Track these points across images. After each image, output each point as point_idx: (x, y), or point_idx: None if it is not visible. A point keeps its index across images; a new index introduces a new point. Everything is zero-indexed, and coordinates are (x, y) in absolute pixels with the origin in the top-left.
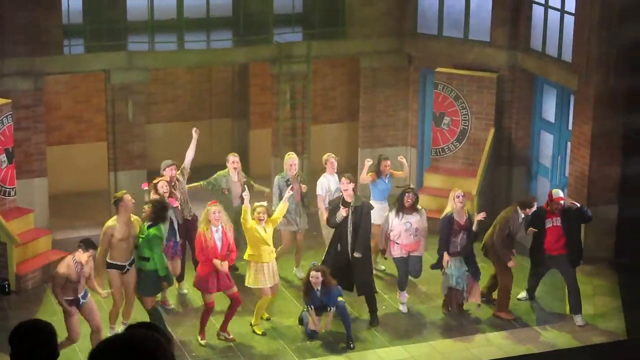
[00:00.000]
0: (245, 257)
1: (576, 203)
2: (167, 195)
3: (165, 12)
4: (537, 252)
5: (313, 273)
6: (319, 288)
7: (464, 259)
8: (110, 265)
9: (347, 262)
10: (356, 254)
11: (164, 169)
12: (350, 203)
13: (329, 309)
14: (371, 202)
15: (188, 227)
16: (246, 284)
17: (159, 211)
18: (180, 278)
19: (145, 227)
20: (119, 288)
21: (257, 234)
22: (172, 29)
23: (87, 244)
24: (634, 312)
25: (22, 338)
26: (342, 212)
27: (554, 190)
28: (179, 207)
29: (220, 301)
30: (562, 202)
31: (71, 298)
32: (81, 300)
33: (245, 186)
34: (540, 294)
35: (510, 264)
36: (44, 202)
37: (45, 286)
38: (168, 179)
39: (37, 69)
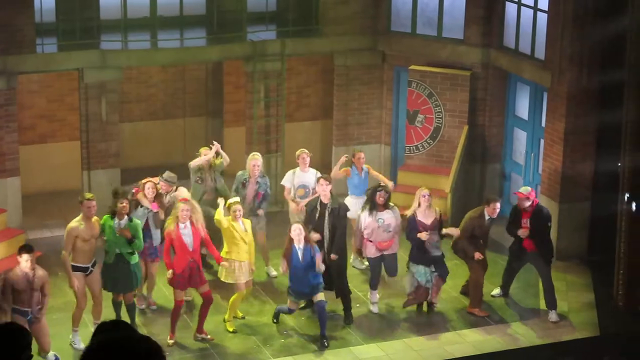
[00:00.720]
0: (222, 254)
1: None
2: (151, 199)
3: (138, 11)
4: (517, 248)
5: (294, 226)
6: (301, 246)
7: (434, 260)
8: (73, 268)
9: (325, 263)
10: (333, 256)
11: (164, 180)
12: (327, 205)
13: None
14: (348, 197)
15: None
16: (220, 278)
17: (134, 207)
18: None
19: (126, 221)
20: (82, 290)
21: (235, 232)
22: (146, 28)
23: (24, 248)
24: (607, 308)
25: None
26: (314, 236)
27: (523, 188)
28: (159, 214)
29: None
30: (525, 197)
31: (20, 308)
32: (30, 315)
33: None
34: (514, 290)
35: (476, 256)
36: (16, 202)
37: None
38: (156, 182)
39: (9, 67)
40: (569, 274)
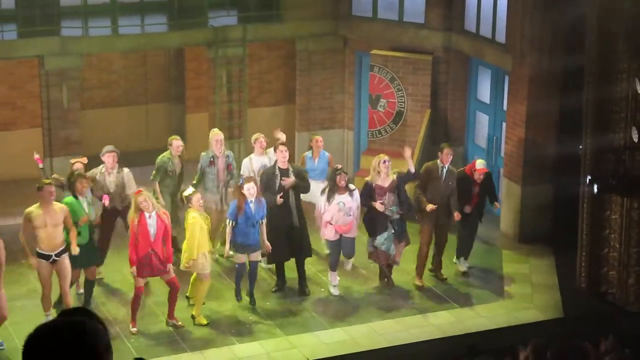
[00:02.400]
0: (184, 247)
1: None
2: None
3: None
4: (467, 215)
5: (247, 185)
6: (253, 200)
7: (391, 221)
8: (37, 254)
9: (288, 230)
10: (295, 219)
11: (103, 155)
12: (287, 170)
13: (261, 222)
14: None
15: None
16: (182, 268)
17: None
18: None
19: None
20: (45, 276)
21: (201, 224)
22: (106, 14)
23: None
24: (569, 290)
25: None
26: (278, 200)
27: (478, 161)
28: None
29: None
30: (484, 173)
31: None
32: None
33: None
34: (476, 272)
35: (428, 207)
36: None
37: None
38: (85, 162)
39: None
40: (532, 256)
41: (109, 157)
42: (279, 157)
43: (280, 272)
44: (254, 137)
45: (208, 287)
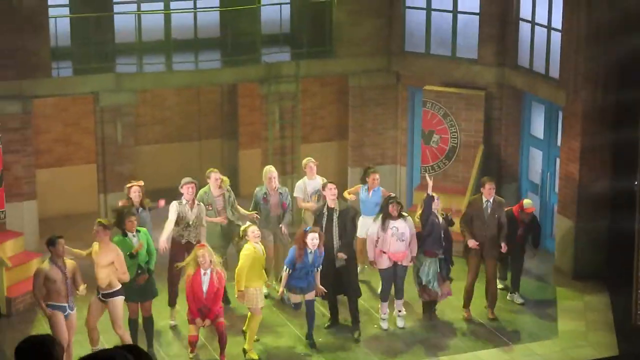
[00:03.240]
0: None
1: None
2: (138, 202)
3: (153, 34)
4: (514, 251)
5: (311, 235)
6: (314, 251)
7: (439, 260)
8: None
9: (332, 267)
10: (340, 255)
11: (181, 186)
12: (334, 209)
13: (317, 269)
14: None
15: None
16: (238, 301)
17: (117, 221)
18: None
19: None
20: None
21: (255, 258)
22: (160, 51)
23: (49, 241)
24: (625, 327)
25: (27, 352)
26: (340, 255)
27: (526, 201)
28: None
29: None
30: (533, 212)
31: (57, 304)
32: (67, 311)
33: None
34: (528, 307)
35: (471, 243)
36: (33, 225)
37: (36, 309)
38: (141, 184)
39: (25, 92)
40: (587, 293)
41: (188, 188)
42: (328, 196)
43: (332, 309)
44: (304, 162)
45: (259, 322)
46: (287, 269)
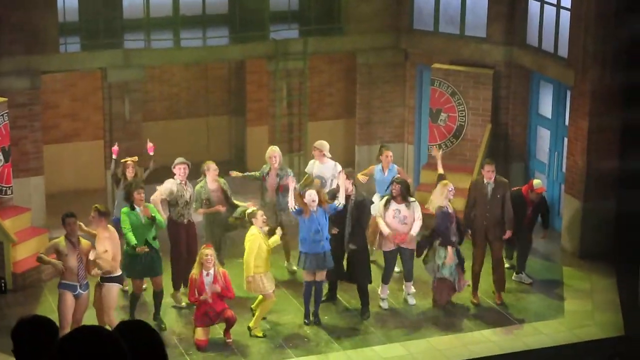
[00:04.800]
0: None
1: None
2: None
3: (161, 10)
4: (521, 231)
5: (308, 192)
6: (316, 209)
7: (456, 251)
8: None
9: (342, 253)
10: (351, 246)
11: (174, 166)
12: (350, 197)
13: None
14: (375, 194)
15: (190, 230)
16: (247, 290)
17: (126, 194)
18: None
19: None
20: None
21: (263, 244)
22: (168, 27)
23: (67, 214)
24: (632, 308)
25: (24, 333)
26: (350, 247)
27: (536, 181)
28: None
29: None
30: (543, 192)
31: (69, 282)
32: (78, 290)
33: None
34: (535, 287)
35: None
36: (40, 201)
37: (42, 285)
38: (136, 160)
39: (33, 67)
40: (594, 273)
41: (180, 169)
42: (343, 183)
43: (331, 285)
44: (314, 144)
45: (271, 305)
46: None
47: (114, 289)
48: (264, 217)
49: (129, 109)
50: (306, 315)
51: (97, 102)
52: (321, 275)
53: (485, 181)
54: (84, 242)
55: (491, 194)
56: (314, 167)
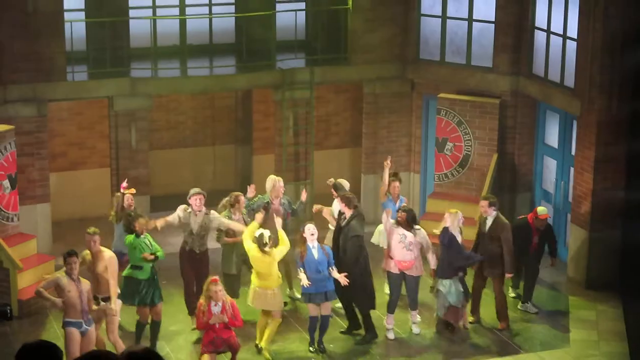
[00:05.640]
0: (253, 284)
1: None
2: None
3: (168, 39)
4: (528, 260)
5: (307, 226)
6: (315, 244)
7: (459, 277)
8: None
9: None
10: (333, 270)
11: (190, 197)
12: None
13: (331, 268)
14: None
15: (198, 260)
16: (250, 304)
17: (126, 225)
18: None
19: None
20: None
21: (271, 261)
22: (175, 56)
23: (69, 252)
24: (637, 338)
25: (28, 358)
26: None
27: (540, 208)
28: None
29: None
30: (548, 219)
31: (73, 320)
32: (84, 326)
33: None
34: (541, 316)
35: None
36: (46, 228)
37: (47, 312)
38: (134, 192)
39: (40, 95)
40: (599, 302)
41: (195, 200)
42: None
43: (350, 314)
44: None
45: (277, 326)
46: (300, 269)
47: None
48: (272, 240)
49: (135, 137)
50: (311, 343)
51: (103, 131)
52: (326, 308)
53: (484, 217)
54: (84, 282)
55: (488, 231)
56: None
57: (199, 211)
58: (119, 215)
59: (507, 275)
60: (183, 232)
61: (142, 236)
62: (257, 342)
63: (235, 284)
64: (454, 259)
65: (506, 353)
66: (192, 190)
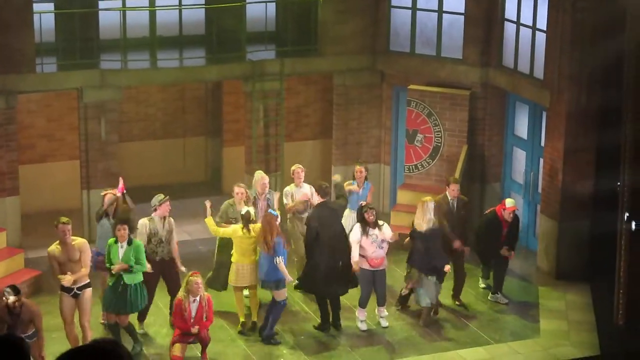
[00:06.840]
0: (233, 259)
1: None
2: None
3: (137, 30)
4: (496, 253)
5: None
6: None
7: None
8: (60, 288)
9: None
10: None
11: (159, 205)
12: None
13: (278, 258)
14: (347, 210)
15: (164, 267)
16: (232, 284)
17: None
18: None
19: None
20: (67, 311)
21: (251, 240)
22: (145, 47)
23: (13, 289)
24: (607, 327)
25: None
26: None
27: (508, 200)
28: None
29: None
30: (515, 211)
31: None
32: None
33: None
34: (511, 307)
35: (456, 244)
36: (16, 221)
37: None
38: (117, 194)
39: (9, 87)
40: (569, 292)
41: (167, 205)
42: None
43: (323, 310)
44: (292, 168)
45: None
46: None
47: (88, 294)
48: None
49: (105, 129)
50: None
51: (72, 122)
52: (279, 295)
53: (449, 198)
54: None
55: (455, 211)
56: (293, 192)
57: (166, 216)
58: (102, 216)
59: (457, 243)
60: (149, 242)
61: (119, 245)
62: (241, 319)
63: (219, 276)
64: (435, 254)
65: (477, 344)
66: (159, 197)
